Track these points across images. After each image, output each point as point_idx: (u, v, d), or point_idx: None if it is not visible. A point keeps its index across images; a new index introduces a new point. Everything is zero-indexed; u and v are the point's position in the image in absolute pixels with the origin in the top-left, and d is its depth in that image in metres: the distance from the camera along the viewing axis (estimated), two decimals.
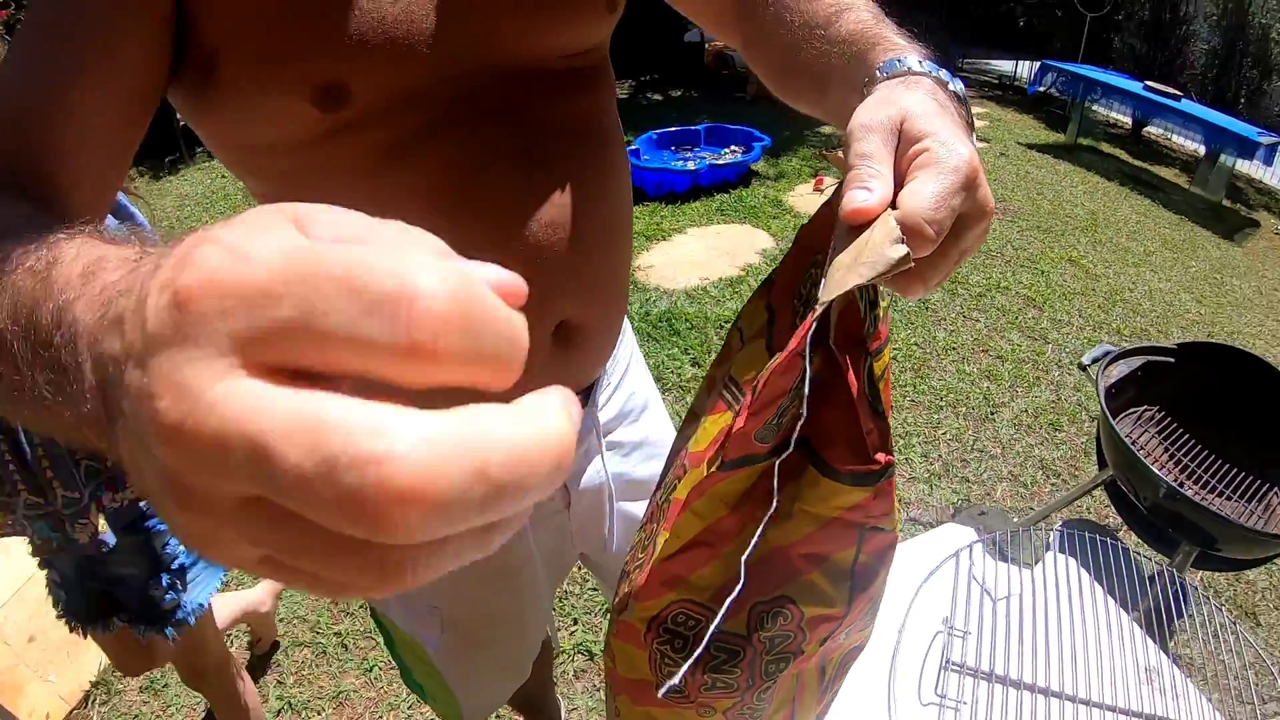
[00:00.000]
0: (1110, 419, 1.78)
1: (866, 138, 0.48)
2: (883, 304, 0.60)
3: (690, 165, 5.21)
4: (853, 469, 0.53)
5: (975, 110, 8.23)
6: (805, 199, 5.29)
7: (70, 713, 2.00)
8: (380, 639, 2.00)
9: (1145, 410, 2.05)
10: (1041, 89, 7.57)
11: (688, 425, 0.76)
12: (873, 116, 0.49)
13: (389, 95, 0.64)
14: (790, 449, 0.51)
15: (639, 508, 1.07)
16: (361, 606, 2.22)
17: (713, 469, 0.55)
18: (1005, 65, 9.50)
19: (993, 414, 3.24)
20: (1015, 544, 1.19)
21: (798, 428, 0.49)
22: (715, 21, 0.83)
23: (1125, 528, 2.40)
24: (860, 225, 0.44)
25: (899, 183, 0.46)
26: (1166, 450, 1.96)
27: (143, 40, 0.58)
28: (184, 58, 0.61)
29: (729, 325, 0.63)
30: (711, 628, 0.51)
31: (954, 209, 0.45)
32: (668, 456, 0.78)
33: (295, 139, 0.66)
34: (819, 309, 0.44)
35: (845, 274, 0.43)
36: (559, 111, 0.74)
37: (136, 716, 2.03)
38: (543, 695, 1.70)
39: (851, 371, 0.50)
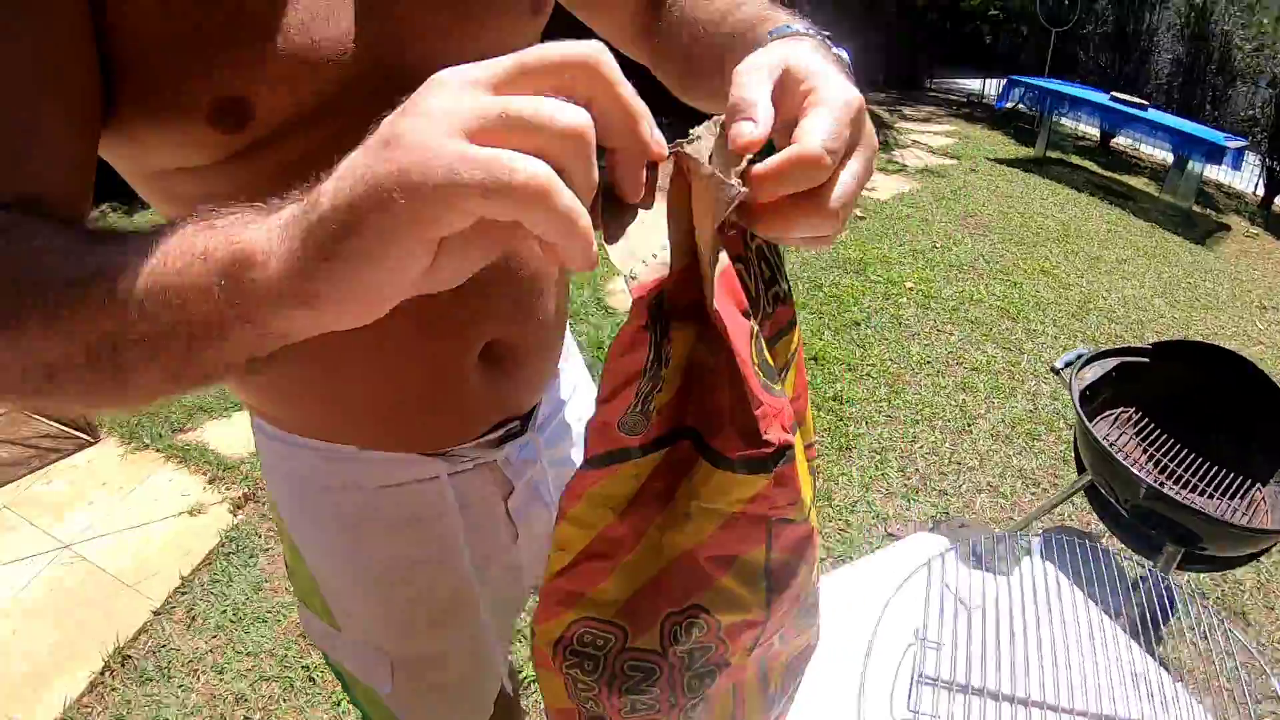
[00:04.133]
0: (1085, 421, 1.74)
1: (745, 80, 0.47)
2: (783, 285, 0.56)
3: None
4: (746, 454, 0.48)
5: (944, 128, 8.35)
6: None
7: None
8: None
9: (1122, 412, 2.01)
10: (1009, 105, 7.66)
11: None
12: (752, 62, 0.48)
13: (295, 107, 0.58)
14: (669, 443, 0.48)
15: None
16: None
17: (580, 469, 0.49)
18: (973, 83, 9.63)
19: (969, 426, 3.20)
20: (992, 552, 1.14)
21: (682, 418, 0.47)
22: (620, 40, 0.83)
23: (1109, 533, 2.38)
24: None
25: (789, 124, 0.46)
26: (1145, 451, 1.92)
27: (80, 61, 0.52)
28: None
29: None
30: None
31: (846, 140, 0.45)
32: None
33: (195, 163, 0.61)
34: (660, 277, 0.42)
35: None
36: None
37: None
38: None
39: (736, 341, 0.45)
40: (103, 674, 2.15)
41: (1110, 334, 4.02)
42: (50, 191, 0.52)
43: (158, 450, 3.06)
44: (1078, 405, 1.78)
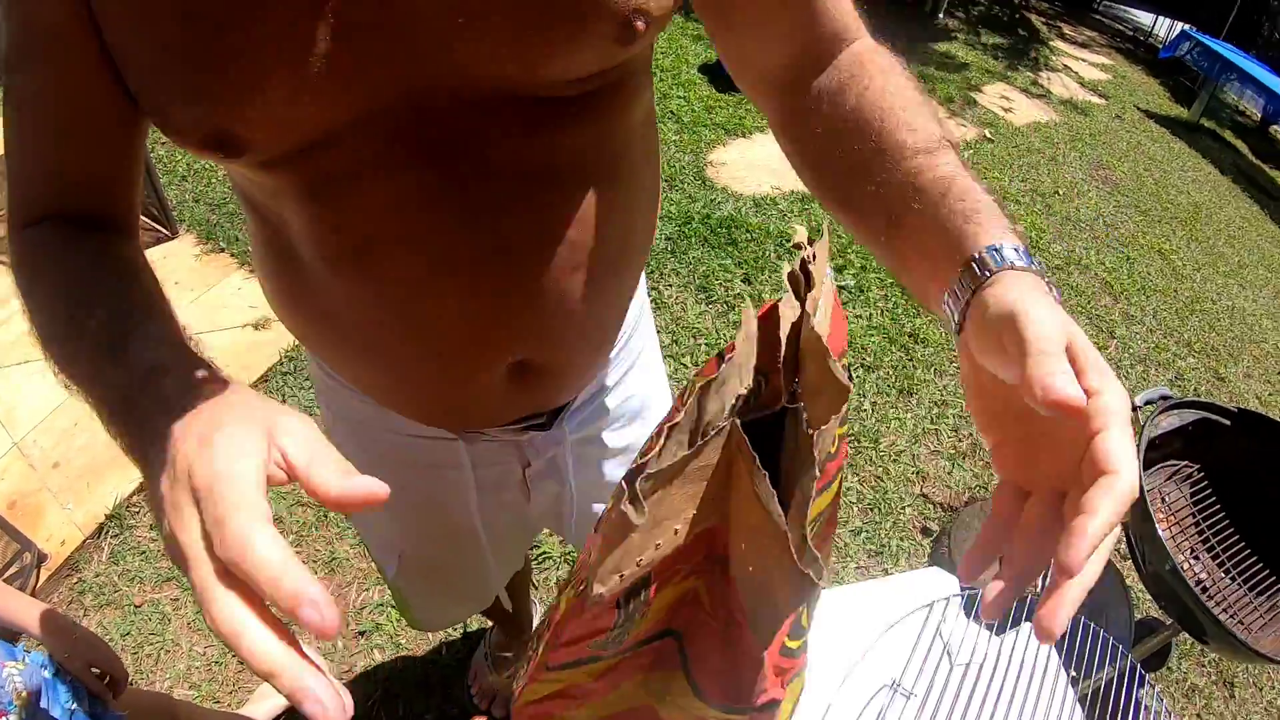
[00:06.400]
0: (1140, 472, 1.70)
1: (1049, 372, 0.43)
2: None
3: None
4: (726, 704, 0.48)
5: (1100, 60, 7.66)
6: None
7: (84, 541, 2.08)
8: None
9: (1186, 466, 1.96)
10: (1175, 55, 7.02)
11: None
12: (1046, 326, 0.45)
13: (293, 140, 0.58)
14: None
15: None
16: None
17: (539, 668, 0.51)
18: (1144, 17, 8.81)
19: None
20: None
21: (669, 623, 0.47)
22: (751, 82, 0.73)
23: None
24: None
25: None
26: (1193, 516, 1.88)
27: (104, 92, 0.59)
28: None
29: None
30: None
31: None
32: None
33: (231, 170, 0.67)
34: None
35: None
36: (537, 146, 0.65)
37: (144, 552, 2.08)
38: (515, 608, 1.72)
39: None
40: None
41: (1206, 344, 3.80)
42: (88, 206, 0.63)
43: (232, 255, 2.94)
44: (1141, 454, 1.73)
